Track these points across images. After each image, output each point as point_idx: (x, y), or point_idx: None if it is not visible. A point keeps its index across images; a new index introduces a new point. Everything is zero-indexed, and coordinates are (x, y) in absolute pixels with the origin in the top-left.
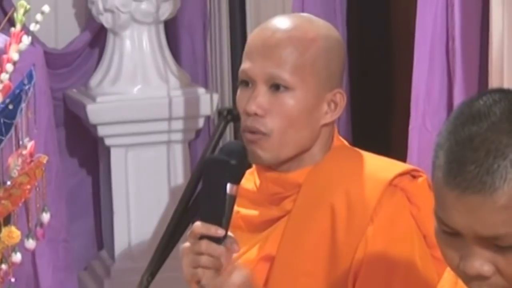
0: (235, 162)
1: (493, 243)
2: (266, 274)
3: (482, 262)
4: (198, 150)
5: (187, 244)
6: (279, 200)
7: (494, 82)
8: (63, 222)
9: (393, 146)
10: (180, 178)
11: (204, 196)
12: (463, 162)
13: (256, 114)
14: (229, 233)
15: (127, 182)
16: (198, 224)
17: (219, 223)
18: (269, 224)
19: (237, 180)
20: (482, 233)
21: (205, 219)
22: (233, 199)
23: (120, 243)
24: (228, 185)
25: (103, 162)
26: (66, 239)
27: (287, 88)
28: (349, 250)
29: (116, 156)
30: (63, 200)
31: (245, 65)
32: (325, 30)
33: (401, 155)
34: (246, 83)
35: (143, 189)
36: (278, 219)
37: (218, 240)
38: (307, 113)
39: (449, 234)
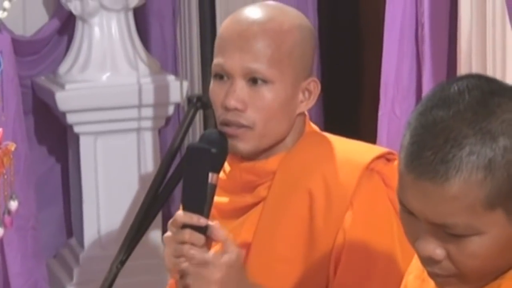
0: (216, 151)
1: (444, 230)
2: (242, 261)
3: (434, 246)
4: (168, 138)
5: (168, 233)
6: (252, 188)
7: (463, 71)
8: (31, 210)
9: (362, 132)
10: (149, 165)
11: (185, 185)
12: (423, 147)
13: (236, 109)
14: (210, 222)
15: (96, 169)
16: (180, 213)
17: (200, 212)
18: (243, 211)
19: (217, 169)
20: (432, 220)
21: (187, 208)
22: (214, 188)
23: (90, 230)
24: (209, 174)
25: (72, 149)
26: (34, 227)
27: (265, 81)
28: (328, 235)
29: (85, 144)
30: (31, 187)
31: (220, 59)
32: (298, 20)
33: (370, 141)
34: (220, 76)
35: (113, 177)
36: (253, 206)
37: (200, 229)
38: (286, 104)
39: (408, 213)
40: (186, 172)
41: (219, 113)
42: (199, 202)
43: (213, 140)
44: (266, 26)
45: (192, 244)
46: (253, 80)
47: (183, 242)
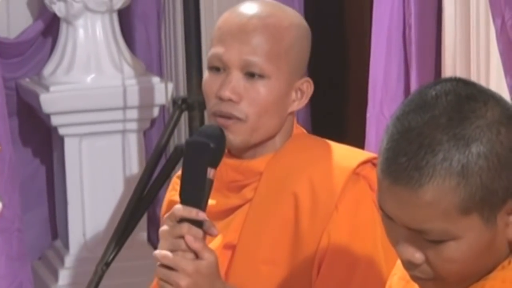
0: (214, 146)
1: (421, 236)
2: (227, 262)
3: (413, 250)
4: (153, 140)
5: (165, 227)
6: (238, 188)
7: (447, 72)
8: (16, 212)
9: (349, 134)
10: (134, 167)
11: (184, 179)
12: (397, 153)
13: (230, 100)
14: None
15: (81, 171)
16: (178, 207)
17: (198, 206)
18: (229, 213)
19: (215, 164)
20: (409, 225)
21: (185, 202)
22: (211, 183)
23: (75, 232)
24: (208, 169)
25: (57, 151)
26: (19, 229)
27: (262, 76)
28: (313, 238)
29: (70, 146)
30: (16, 190)
31: (218, 49)
32: (297, 18)
33: (357, 143)
34: (216, 68)
35: (98, 179)
36: (238, 207)
37: (198, 224)
38: (279, 101)
39: (388, 218)
40: (185, 166)
41: (212, 104)
42: (197, 197)
43: (211, 135)
44: (266, 20)
45: None
46: (251, 74)
47: (180, 236)
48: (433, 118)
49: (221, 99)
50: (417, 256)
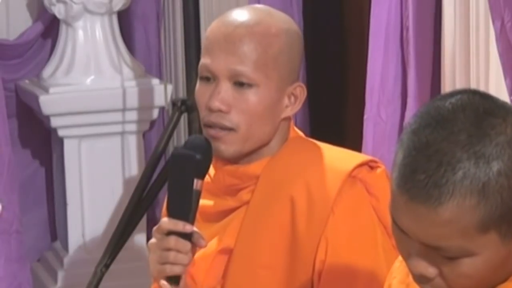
0: (200, 157)
1: (436, 252)
2: (224, 267)
3: (426, 265)
4: (152, 141)
5: (153, 240)
6: (235, 192)
7: (447, 73)
8: (15, 214)
9: (347, 136)
10: (134, 169)
11: (170, 191)
12: (415, 169)
13: (220, 110)
14: (194, 228)
15: (80, 173)
16: (165, 220)
17: (186, 219)
18: (225, 214)
19: (202, 175)
20: (425, 242)
21: (172, 215)
22: (198, 194)
23: (74, 234)
24: (194, 180)
25: (56, 153)
26: (18, 231)
27: (250, 85)
28: (310, 242)
29: (69, 147)
30: (15, 191)
31: (206, 60)
32: (286, 24)
33: (355, 145)
34: (207, 78)
35: (97, 180)
36: (235, 209)
37: (185, 236)
38: (271, 108)
39: (400, 231)
40: (171, 178)
41: (203, 115)
42: (184, 209)
43: (197, 146)
44: (253, 29)
45: (178, 251)
46: (239, 84)
47: (168, 249)
48: (451, 134)
49: (210, 110)
50: (431, 270)
